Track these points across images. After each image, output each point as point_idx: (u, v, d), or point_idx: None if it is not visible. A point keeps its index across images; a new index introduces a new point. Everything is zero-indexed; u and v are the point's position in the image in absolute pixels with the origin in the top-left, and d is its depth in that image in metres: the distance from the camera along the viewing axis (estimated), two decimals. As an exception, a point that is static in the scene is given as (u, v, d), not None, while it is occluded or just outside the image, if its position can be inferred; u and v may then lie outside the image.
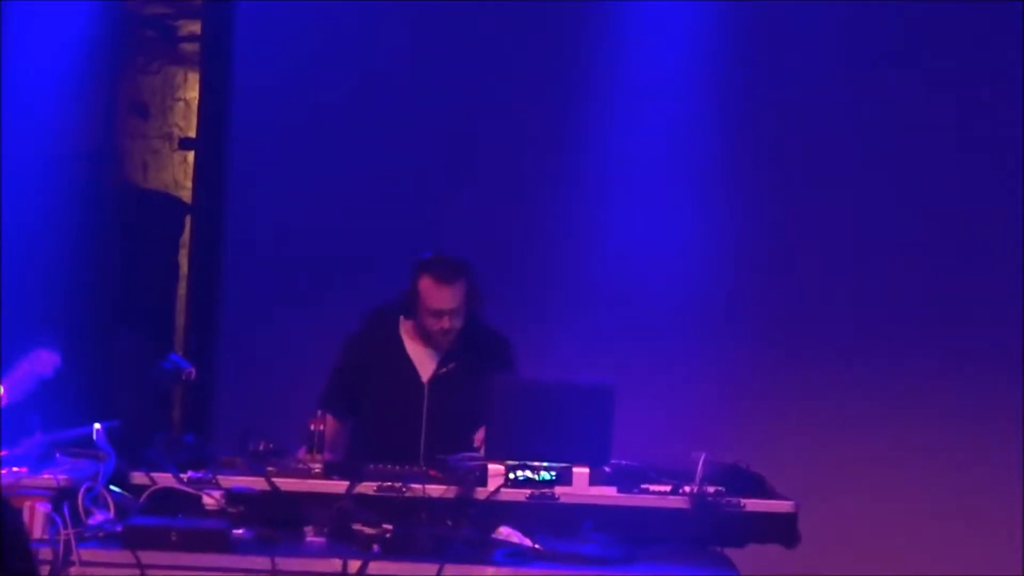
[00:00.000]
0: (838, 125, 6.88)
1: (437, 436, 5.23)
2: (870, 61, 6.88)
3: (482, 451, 4.89)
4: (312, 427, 4.88)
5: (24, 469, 4.45)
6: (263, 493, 4.53)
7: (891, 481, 6.65)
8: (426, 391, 5.33)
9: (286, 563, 4.19)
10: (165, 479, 4.53)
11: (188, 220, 7.77)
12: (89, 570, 4.10)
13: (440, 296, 5.25)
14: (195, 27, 7.93)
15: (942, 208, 6.84)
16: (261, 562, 4.18)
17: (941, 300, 6.80)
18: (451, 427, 5.18)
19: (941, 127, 6.86)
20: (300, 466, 4.78)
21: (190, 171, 7.92)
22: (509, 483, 4.62)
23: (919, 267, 6.84)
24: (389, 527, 4.35)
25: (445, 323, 5.27)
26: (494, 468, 4.63)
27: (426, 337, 5.34)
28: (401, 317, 5.39)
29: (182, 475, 4.55)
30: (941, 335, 6.78)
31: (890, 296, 6.84)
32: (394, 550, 4.27)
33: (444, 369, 5.35)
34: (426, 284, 5.26)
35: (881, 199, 6.87)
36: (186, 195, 7.97)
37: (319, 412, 5.01)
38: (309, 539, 4.41)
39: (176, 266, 7.95)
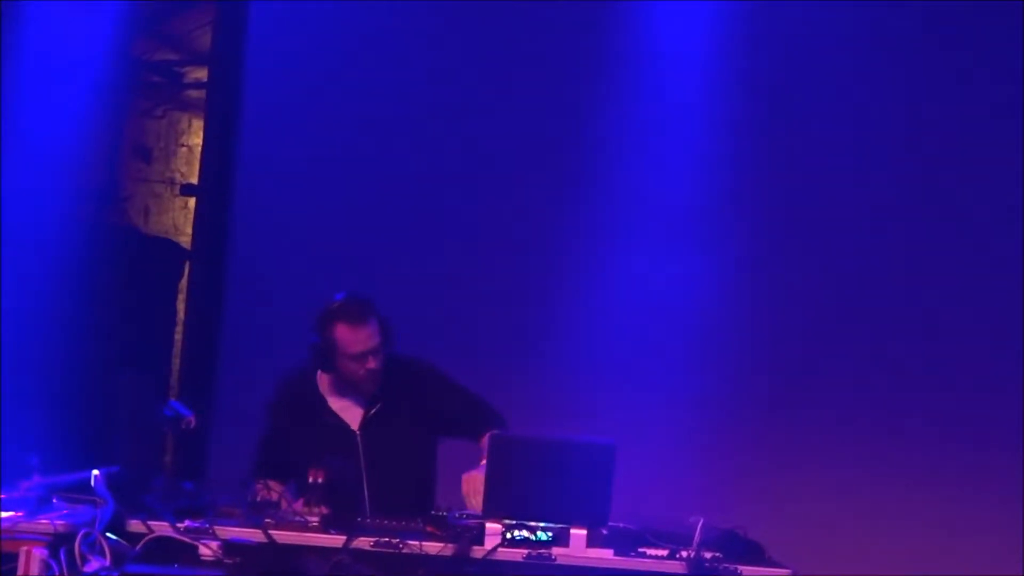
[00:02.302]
0: (851, 144, 6.89)
1: (378, 480, 5.18)
2: (879, 72, 6.89)
3: (476, 503, 4.86)
4: (311, 479, 4.86)
5: (21, 513, 4.42)
6: (260, 545, 4.51)
7: (891, 549, 6.63)
8: (359, 439, 5.25)
9: (282, 616, 4.18)
10: (162, 527, 4.51)
11: (187, 266, 7.78)
12: (84, 616, 4.08)
13: (358, 338, 5.16)
14: (201, 74, 7.98)
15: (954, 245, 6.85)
16: (257, 614, 4.17)
17: (947, 363, 6.81)
18: (391, 467, 5.16)
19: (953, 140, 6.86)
20: (297, 518, 4.76)
21: (191, 217, 7.94)
22: (506, 542, 4.61)
23: (929, 327, 6.84)
24: (386, 583, 4.33)
25: (370, 363, 5.18)
26: (491, 526, 4.62)
27: (350, 385, 5.24)
28: (319, 372, 5.30)
29: (179, 524, 4.53)
30: (944, 400, 6.78)
31: (892, 362, 6.83)
32: (390, 606, 4.26)
33: (372, 411, 5.27)
34: (342, 330, 5.17)
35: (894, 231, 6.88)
36: (186, 241, 7.99)
37: (258, 482, 4.98)
38: (305, 592, 4.40)
39: (174, 311, 7.96)
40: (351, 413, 5.29)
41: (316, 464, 4.90)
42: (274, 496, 4.94)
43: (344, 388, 5.28)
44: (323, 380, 5.31)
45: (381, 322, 5.24)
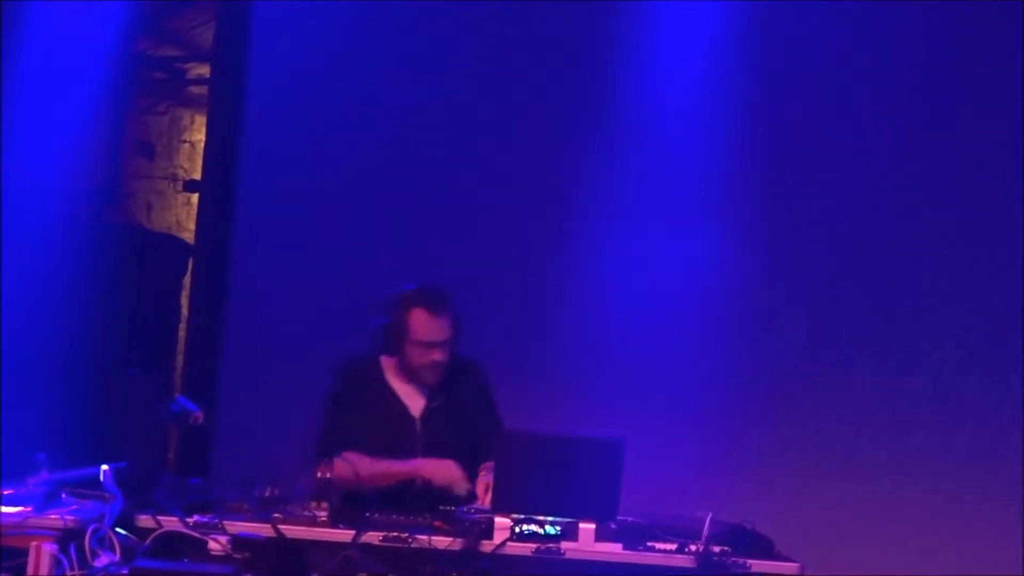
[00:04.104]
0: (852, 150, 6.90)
1: (431, 488, 5.14)
2: (879, 70, 6.90)
3: (486, 501, 4.88)
4: (319, 475, 4.85)
5: (30, 508, 4.42)
6: (269, 540, 4.51)
7: (898, 543, 6.64)
8: (418, 427, 5.26)
9: (291, 610, 4.19)
10: (171, 522, 4.51)
11: (190, 262, 7.78)
12: (94, 612, 4.08)
13: (433, 328, 5.17)
14: (203, 70, 7.98)
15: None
16: (266, 609, 4.17)
17: (954, 365, 6.82)
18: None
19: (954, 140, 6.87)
20: (306, 513, 4.76)
21: (193, 213, 7.95)
22: (515, 537, 4.61)
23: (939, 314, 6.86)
24: (395, 578, 4.34)
25: (436, 355, 5.19)
26: (500, 521, 4.62)
27: (412, 372, 5.24)
28: (382, 357, 5.30)
29: (188, 519, 4.53)
30: (951, 393, 6.80)
31: (898, 355, 6.85)
32: (399, 601, 4.26)
33: (434, 404, 5.28)
34: (418, 315, 5.17)
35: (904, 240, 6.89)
36: (189, 237, 7.99)
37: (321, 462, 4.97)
38: (314, 587, 4.40)
39: (178, 307, 7.96)
40: (413, 401, 5.28)
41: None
42: (344, 470, 4.88)
43: (407, 375, 5.27)
44: (387, 364, 5.30)
45: (455, 318, 5.23)
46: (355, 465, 5.00)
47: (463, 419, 5.24)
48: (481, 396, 5.34)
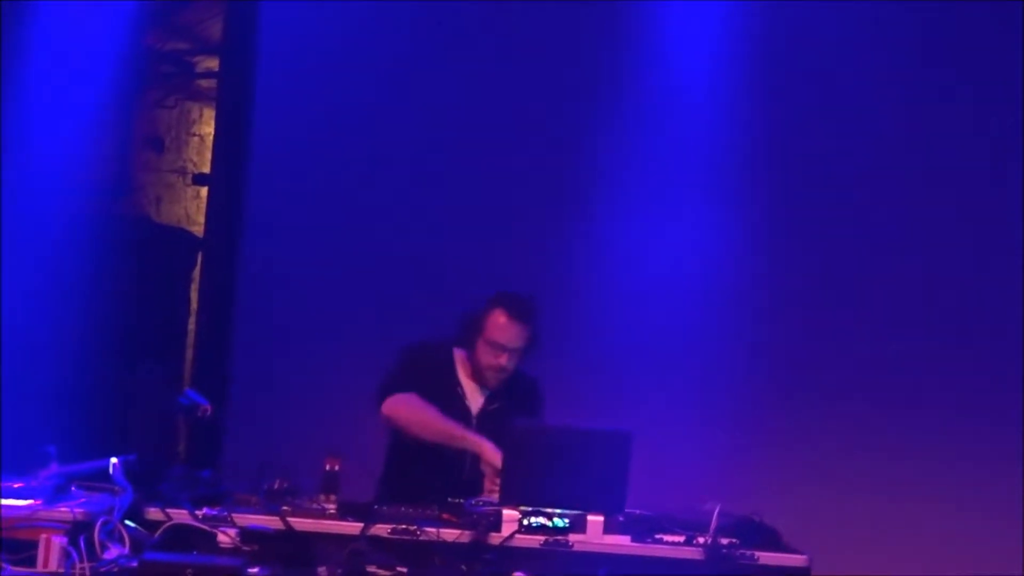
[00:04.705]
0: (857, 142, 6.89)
1: (479, 471, 5.19)
2: (879, 66, 6.91)
3: (495, 496, 4.90)
4: (327, 467, 4.87)
5: (40, 501, 4.43)
6: (278, 532, 4.52)
7: (907, 535, 6.64)
8: (474, 425, 5.30)
9: (300, 603, 4.19)
10: (180, 515, 4.52)
11: (200, 255, 7.79)
12: (103, 604, 4.09)
13: (508, 332, 5.23)
14: (212, 63, 7.98)
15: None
16: (275, 601, 4.18)
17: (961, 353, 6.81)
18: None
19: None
20: (315, 506, 4.77)
21: (202, 206, 7.95)
22: (523, 529, 4.62)
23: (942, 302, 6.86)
24: (403, 570, 4.34)
25: (503, 360, 5.25)
26: (508, 514, 4.63)
27: (477, 371, 5.32)
28: (455, 349, 5.37)
29: (197, 512, 4.54)
30: (954, 383, 6.80)
31: (908, 347, 6.84)
32: (407, 593, 4.26)
33: (492, 407, 5.34)
34: (498, 317, 5.24)
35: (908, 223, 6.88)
36: (198, 230, 7.99)
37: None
38: (323, 580, 4.40)
39: (187, 301, 7.96)
40: (474, 398, 5.35)
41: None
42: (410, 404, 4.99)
43: (473, 372, 5.34)
44: (458, 356, 5.37)
45: (534, 332, 5.29)
46: (421, 406, 5.10)
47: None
48: (534, 414, 5.37)
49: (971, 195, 6.88)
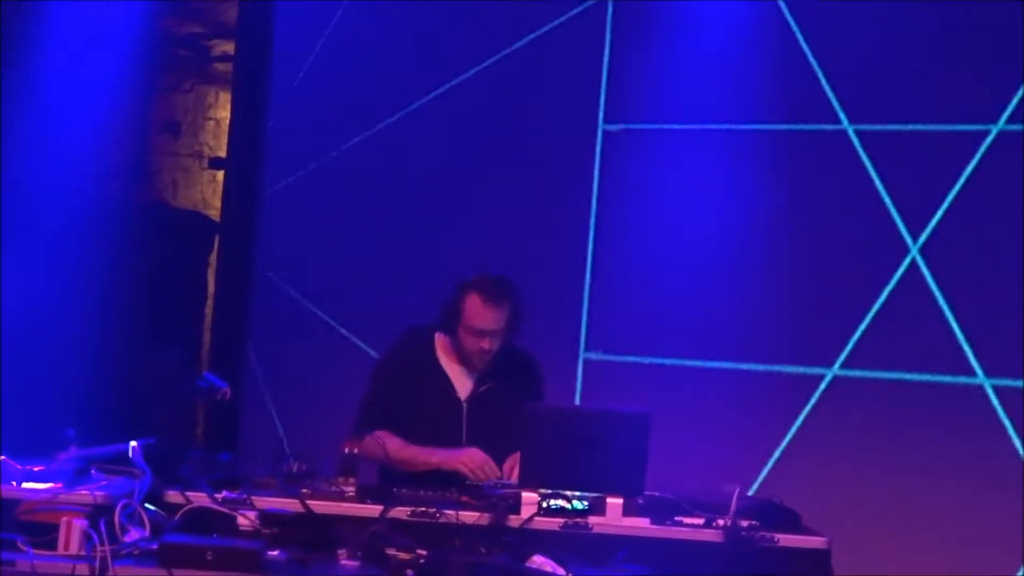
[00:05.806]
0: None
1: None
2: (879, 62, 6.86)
3: (514, 478, 4.89)
4: (345, 450, 4.86)
5: (60, 484, 4.45)
6: (297, 515, 4.52)
7: (923, 518, 6.61)
8: (464, 409, 5.28)
9: (319, 585, 4.19)
10: (200, 498, 4.52)
11: (216, 239, 7.80)
12: (124, 587, 4.10)
13: (485, 316, 5.20)
14: (228, 47, 7.98)
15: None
16: (294, 583, 4.18)
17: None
18: (489, 447, 5.12)
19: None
20: (334, 488, 4.77)
21: (219, 190, 7.96)
22: (542, 512, 4.61)
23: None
24: (423, 552, 4.33)
25: (484, 343, 5.22)
26: (528, 496, 4.62)
27: (461, 356, 5.29)
28: (437, 334, 5.34)
29: (217, 495, 4.54)
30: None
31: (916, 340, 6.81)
32: (427, 576, 4.26)
33: (481, 388, 5.30)
34: (472, 302, 5.20)
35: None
36: (214, 214, 8.01)
37: (361, 437, 4.98)
38: (342, 562, 4.38)
39: (205, 285, 7.98)
40: (462, 383, 5.31)
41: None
42: (374, 449, 4.95)
43: (458, 357, 5.30)
44: (441, 342, 5.33)
45: (514, 310, 5.25)
46: (385, 445, 5.04)
47: (509, 409, 5.18)
48: (531, 390, 5.32)
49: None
